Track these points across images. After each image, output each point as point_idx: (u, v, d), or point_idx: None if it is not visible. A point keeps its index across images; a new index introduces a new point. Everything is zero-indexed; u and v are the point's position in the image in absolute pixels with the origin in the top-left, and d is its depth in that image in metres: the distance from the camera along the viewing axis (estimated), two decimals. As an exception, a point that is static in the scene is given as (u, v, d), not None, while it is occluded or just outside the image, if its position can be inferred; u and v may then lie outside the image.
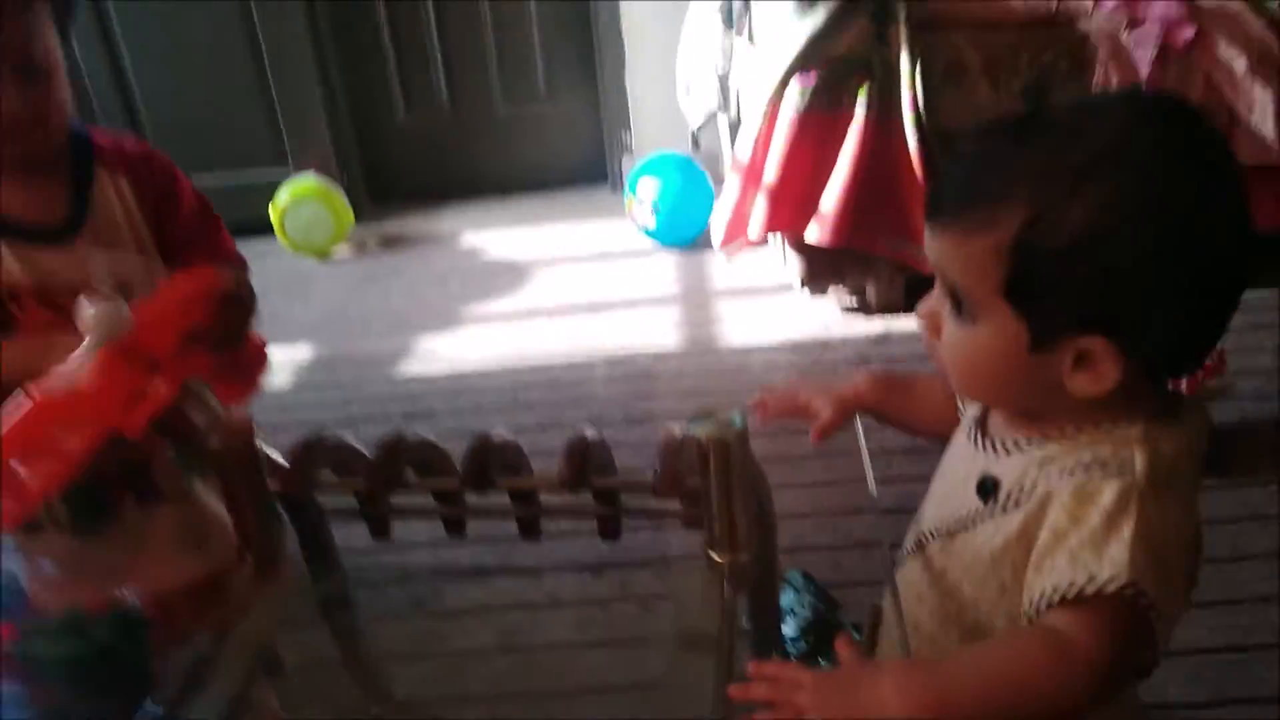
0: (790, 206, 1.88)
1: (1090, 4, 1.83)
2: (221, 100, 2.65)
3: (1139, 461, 0.57)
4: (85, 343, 0.72)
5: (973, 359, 0.62)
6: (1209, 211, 0.56)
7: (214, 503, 0.97)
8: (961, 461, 0.69)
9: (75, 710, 0.69)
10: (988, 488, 0.64)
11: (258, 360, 0.93)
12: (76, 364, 0.73)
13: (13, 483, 0.68)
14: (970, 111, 1.81)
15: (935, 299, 0.63)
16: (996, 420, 0.68)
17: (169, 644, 0.82)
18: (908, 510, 1.20)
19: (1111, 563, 0.54)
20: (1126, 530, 0.55)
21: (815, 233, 1.87)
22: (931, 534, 0.70)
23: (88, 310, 0.73)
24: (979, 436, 0.68)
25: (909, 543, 0.75)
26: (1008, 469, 0.63)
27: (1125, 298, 0.56)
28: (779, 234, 2.00)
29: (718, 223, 2.08)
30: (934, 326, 0.64)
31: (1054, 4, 1.83)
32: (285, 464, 0.97)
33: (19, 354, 0.81)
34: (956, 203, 0.60)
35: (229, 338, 0.84)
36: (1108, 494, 0.56)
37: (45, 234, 0.86)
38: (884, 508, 1.05)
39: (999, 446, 0.65)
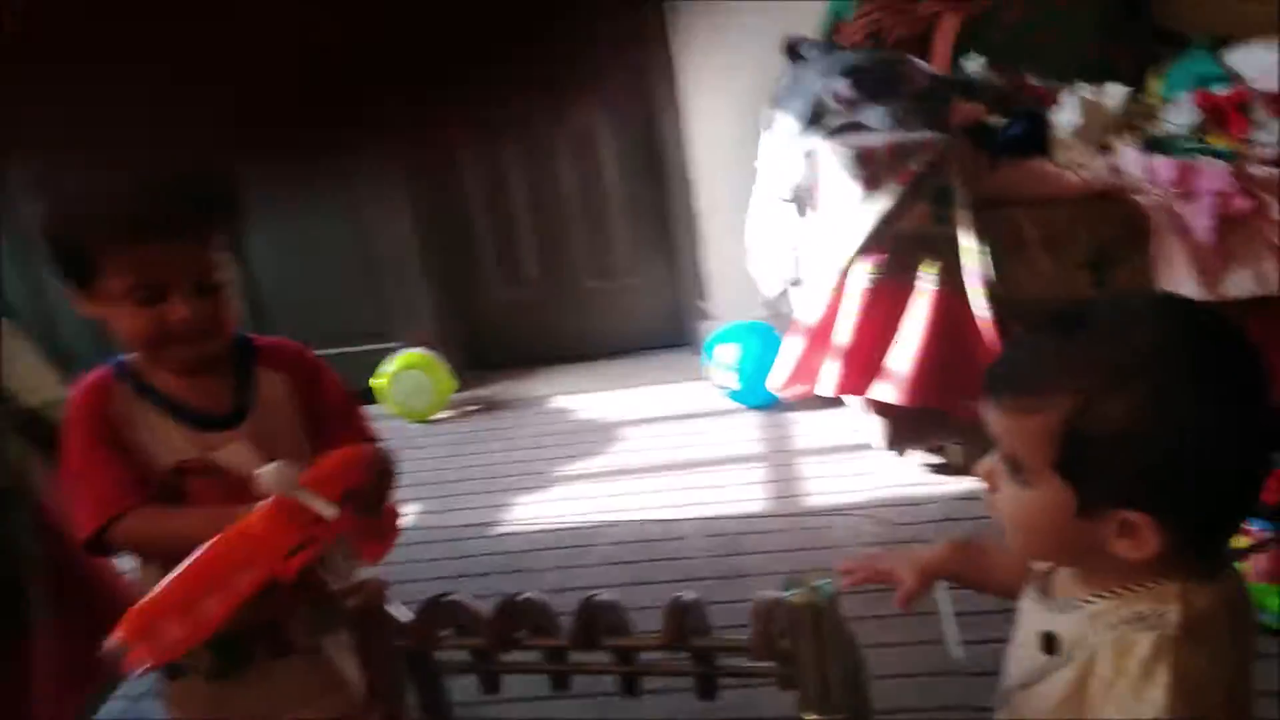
0: (860, 367, 1.96)
1: (1145, 179, 1.93)
2: (335, 285, 2.92)
3: (1173, 615, 0.64)
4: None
5: (1025, 518, 0.70)
6: (1239, 412, 0.64)
7: (342, 656, 1.06)
8: (1029, 618, 0.76)
9: None
10: (1050, 643, 0.70)
11: (392, 524, 1.04)
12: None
13: (191, 612, 0.80)
14: (1033, 281, 1.90)
15: (993, 461, 0.72)
16: (1057, 579, 0.75)
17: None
18: (998, 673, 1.23)
19: (1152, 705, 0.60)
20: (1162, 677, 0.61)
21: (892, 392, 1.94)
22: (1012, 689, 0.76)
23: (264, 470, 0.87)
24: (1042, 593, 0.75)
25: (998, 698, 0.80)
26: (1066, 625, 0.70)
27: (1162, 482, 0.64)
28: (854, 396, 2.08)
29: (779, 373, 2.18)
30: (993, 485, 0.72)
31: (1108, 180, 1.94)
32: (410, 623, 1.07)
33: (193, 523, 0.94)
34: (1011, 386, 0.69)
35: (376, 502, 0.97)
36: (1144, 645, 0.63)
37: (215, 421, 1.00)
38: (973, 670, 1.09)
39: (1059, 604, 0.72)
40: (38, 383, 1.48)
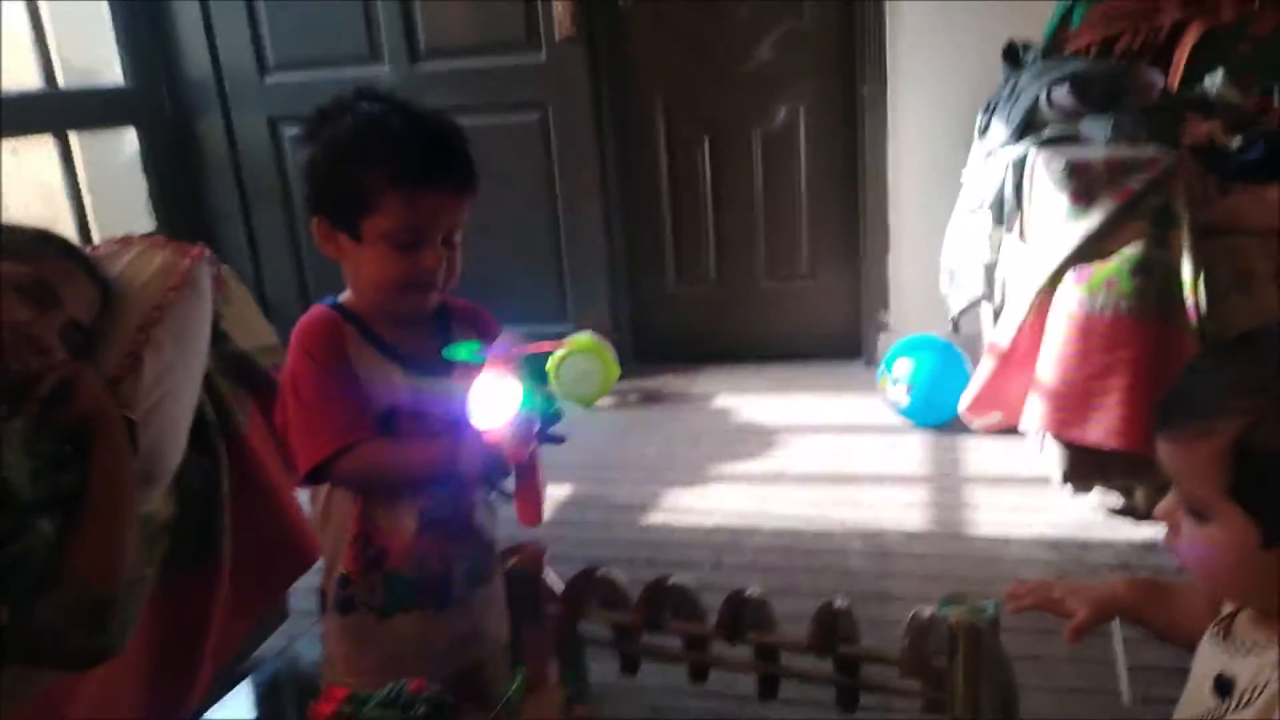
0: (1068, 405, 1.84)
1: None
2: (522, 265, 3.02)
3: None
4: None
5: (1209, 556, 0.67)
6: None
7: (489, 609, 1.10)
8: (1205, 660, 0.71)
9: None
10: (1224, 686, 0.65)
11: (542, 489, 1.06)
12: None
13: None
14: (1259, 317, 1.73)
15: (1173, 500, 0.69)
16: (1241, 621, 0.70)
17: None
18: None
19: None
20: None
21: (1099, 433, 1.80)
22: None
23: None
24: (1222, 636, 0.70)
25: None
26: (1244, 668, 0.65)
27: None
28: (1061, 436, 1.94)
29: (968, 395, 2.09)
30: (1174, 526, 0.70)
31: (1357, 214, 1.74)
32: (561, 592, 1.08)
33: (415, 456, 1.04)
34: (1180, 414, 0.67)
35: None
36: None
37: (430, 369, 1.06)
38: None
39: (1239, 646, 0.68)
40: (252, 327, 1.60)
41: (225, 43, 3.06)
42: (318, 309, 1.08)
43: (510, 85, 2.91)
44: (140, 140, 3.03)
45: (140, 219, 2.99)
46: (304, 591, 1.69)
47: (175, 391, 1.30)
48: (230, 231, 3.19)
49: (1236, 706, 0.64)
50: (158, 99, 3.08)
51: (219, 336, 1.51)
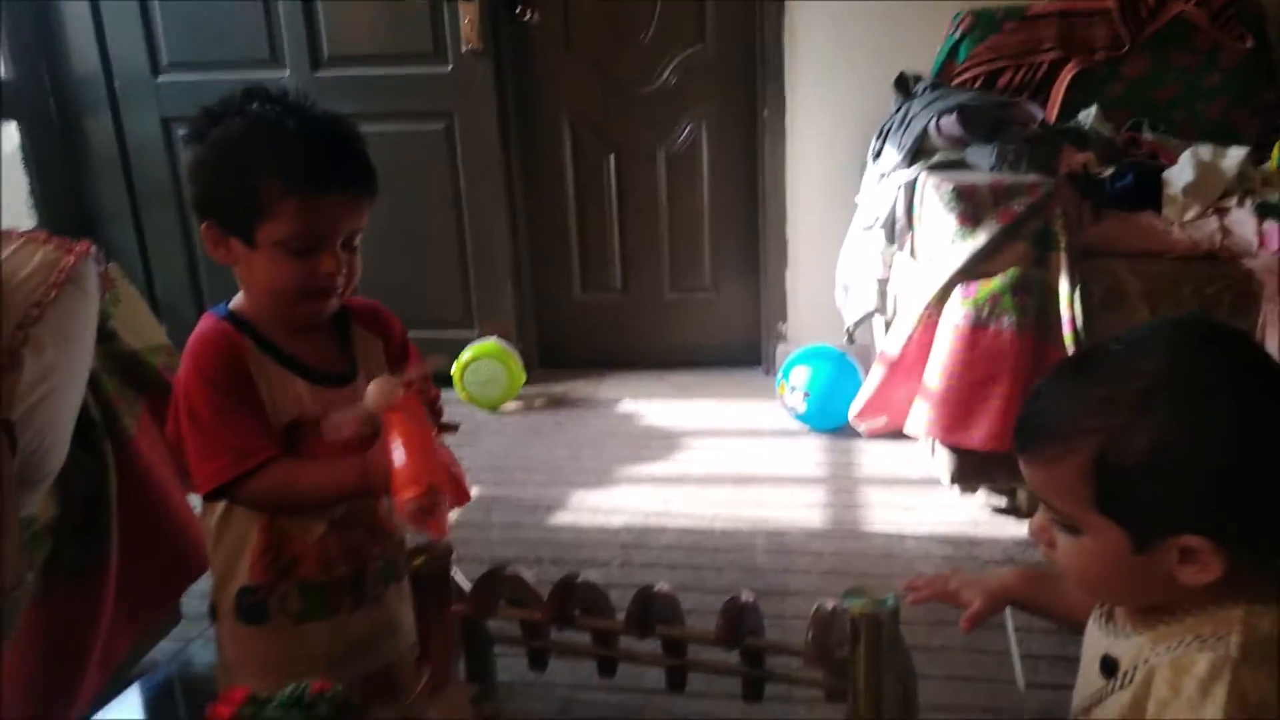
0: (951, 412, 1.93)
1: (1256, 243, 1.87)
2: (428, 272, 2.99)
3: (1234, 637, 0.63)
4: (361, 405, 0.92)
5: (1085, 566, 0.70)
6: (1261, 419, 0.63)
7: (401, 605, 1.09)
8: (1091, 644, 0.76)
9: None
10: (1109, 666, 0.69)
11: (461, 479, 1.06)
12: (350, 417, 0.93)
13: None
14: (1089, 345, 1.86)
15: (1043, 516, 0.72)
16: (1120, 607, 0.74)
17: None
18: (1050, 718, 1.19)
19: None
20: (1220, 695, 0.60)
21: (979, 438, 1.90)
22: (1076, 712, 0.75)
23: (370, 388, 0.91)
24: (1105, 619, 0.75)
25: None
26: (1125, 649, 0.70)
27: (1207, 501, 0.63)
28: (941, 440, 2.04)
29: (858, 402, 2.19)
30: (1048, 541, 0.72)
31: (1217, 240, 1.89)
32: (470, 589, 1.08)
33: (322, 475, 1.00)
34: (1037, 437, 0.69)
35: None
36: (1202, 664, 0.61)
37: (332, 379, 1.04)
38: (1030, 714, 1.06)
39: (1120, 629, 0.72)
40: (141, 326, 1.54)
41: (116, 39, 2.94)
42: (209, 321, 1.02)
43: (416, 94, 2.89)
44: (21, 135, 2.89)
45: (20, 218, 2.84)
46: (198, 595, 1.64)
47: (57, 391, 1.25)
48: (119, 232, 3.06)
49: (1120, 686, 0.68)
50: (41, 94, 2.94)
51: (106, 335, 1.45)
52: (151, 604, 1.52)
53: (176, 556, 1.51)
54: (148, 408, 1.52)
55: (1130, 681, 0.67)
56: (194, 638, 1.60)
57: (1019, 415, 0.72)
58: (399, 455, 0.87)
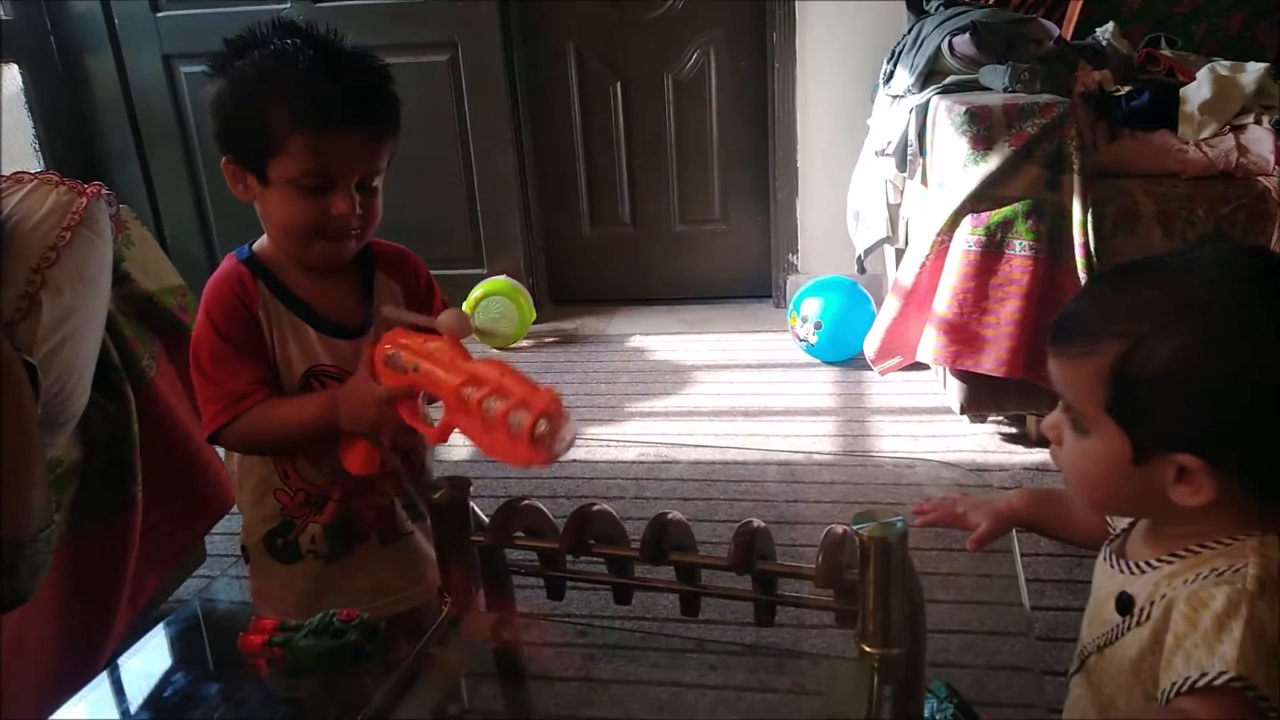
0: (961, 338, 1.93)
1: (1271, 161, 1.84)
2: (435, 209, 2.97)
3: (1251, 570, 0.63)
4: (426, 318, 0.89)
5: (1085, 467, 0.71)
6: None
7: (428, 545, 1.11)
8: (1103, 583, 0.76)
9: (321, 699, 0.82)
10: (1124, 603, 0.70)
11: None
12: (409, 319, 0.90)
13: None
14: (1144, 255, 1.84)
15: (1058, 414, 0.73)
16: (1131, 543, 0.75)
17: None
18: (1055, 639, 1.22)
19: (1222, 659, 0.59)
20: (1236, 630, 0.60)
21: (989, 364, 1.91)
22: (1086, 650, 0.76)
23: (447, 313, 0.89)
24: (1115, 559, 0.75)
25: (1074, 663, 0.80)
26: (1140, 586, 0.70)
27: (1210, 423, 0.64)
28: (951, 366, 2.05)
29: (873, 340, 2.18)
30: (1057, 438, 0.74)
31: (1234, 159, 1.86)
32: (488, 521, 1.10)
33: (303, 409, 0.99)
34: (1068, 334, 0.70)
35: None
36: (1219, 599, 0.62)
37: (345, 331, 1.03)
38: (1035, 634, 1.07)
39: (1132, 567, 0.72)
40: (155, 268, 1.55)
41: (113, -27, 2.90)
42: (227, 264, 1.00)
43: (418, 24, 2.84)
44: (23, 77, 2.86)
45: (26, 161, 2.84)
46: (221, 532, 1.68)
47: (76, 334, 1.26)
48: (126, 173, 3.05)
49: (1137, 623, 0.69)
50: (41, 34, 2.90)
51: (121, 278, 1.46)
52: (177, 543, 1.56)
53: (200, 496, 1.55)
54: (165, 349, 1.53)
55: (1148, 617, 0.68)
56: (219, 575, 1.64)
57: (1061, 310, 0.73)
58: (510, 381, 0.84)
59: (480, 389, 0.84)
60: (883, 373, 2.24)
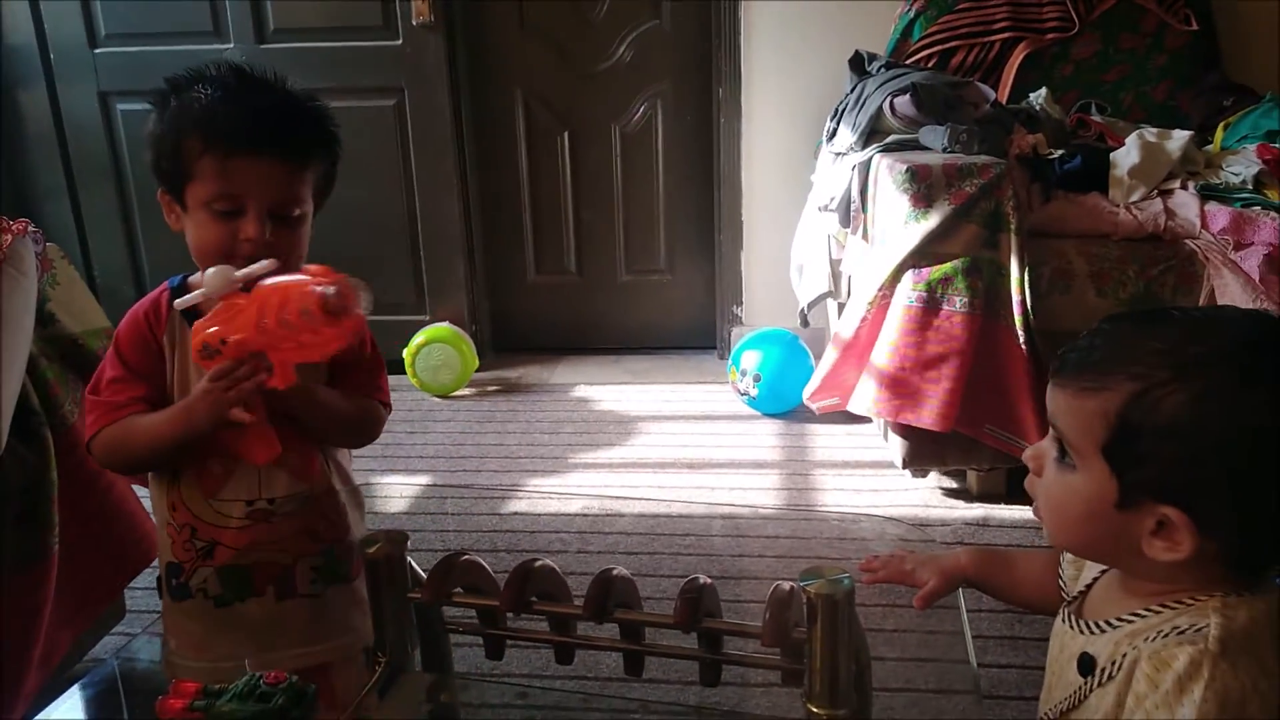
0: (902, 392, 1.95)
1: (1198, 224, 1.91)
2: (378, 254, 2.93)
3: (1212, 630, 0.63)
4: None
5: (1065, 502, 0.70)
6: None
7: (347, 607, 1.07)
8: (1064, 645, 0.75)
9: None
10: (1086, 665, 0.69)
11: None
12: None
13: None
14: (1079, 314, 1.89)
15: (1045, 444, 0.72)
16: (1090, 603, 0.75)
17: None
18: (998, 696, 1.22)
19: None
20: (1196, 692, 0.60)
21: (929, 418, 1.93)
22: (1049, 717, 0.75)
23: (207, 274, 0.91)
24: (1074, 620, 0.74)
25: None
26: (1101, 646, 0.69)
27: (1203, 481, 0.63)
28: (887, 419, 2.06)
29: (811, 383, 2.20)
30: (1037, 468, 0.73)
31: (1162, 222, 1.92)
32: (426, 576, 1.06)
33: (156, 422, 0.98)
34: (1079, 366, 0.69)
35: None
36: (1181, 659, 0.62)
37: None
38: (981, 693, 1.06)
39: (1092, 627, 0.71)
40: (81, 309, 1.50)
41: (51, 8, 2.84)
42: (156, 290, 1.03)
43: (365, 69, 2.83)
44: (-49, 109, 2.79)
45: (-52, 195, 2.74)
46: (143, 588, 1.60)
47: (-6, 377, 1.21)
48: (56, 211, 2.96)
49: (1099, 683, 0.68)
50: (-30, 65, 2.83)
51: (45, 319, 1.41)
52: (94, 597, 1.48)
53: (120, 547, 1.48)
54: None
55: (1110, 678, 0.67)
56: (139, 633, 1.56)
57: (1072, 343, 0.72)
58: (282, 285, 0.87)
59: (267, 313, 0.86)
60: (820, 411, 2.26)
